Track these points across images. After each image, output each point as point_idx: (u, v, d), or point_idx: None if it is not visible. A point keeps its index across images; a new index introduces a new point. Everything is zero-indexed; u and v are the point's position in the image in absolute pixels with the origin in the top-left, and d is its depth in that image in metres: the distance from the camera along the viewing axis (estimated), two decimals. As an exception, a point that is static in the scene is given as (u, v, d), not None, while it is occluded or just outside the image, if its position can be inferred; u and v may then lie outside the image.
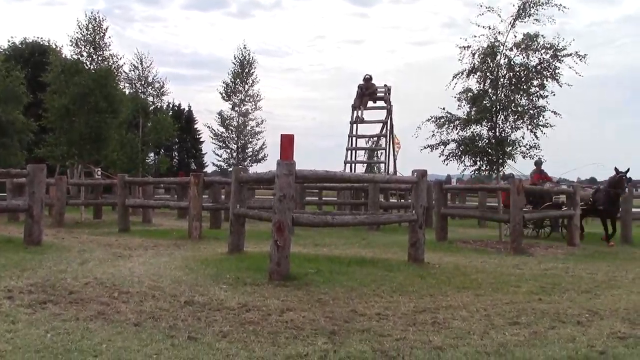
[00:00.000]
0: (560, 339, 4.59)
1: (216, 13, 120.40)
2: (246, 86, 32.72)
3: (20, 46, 43.58)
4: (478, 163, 13.76)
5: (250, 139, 33.09)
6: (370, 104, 21.92)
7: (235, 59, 32.83)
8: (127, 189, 14.82)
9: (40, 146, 26.28)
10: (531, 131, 13.31)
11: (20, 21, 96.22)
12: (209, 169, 54.37)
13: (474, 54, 13.41)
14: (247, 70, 32.72)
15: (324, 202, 22.49)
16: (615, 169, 13.86)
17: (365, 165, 25.15)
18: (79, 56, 25.43)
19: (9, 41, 42.72)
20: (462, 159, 13.72)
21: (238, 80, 32.66)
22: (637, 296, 6.70)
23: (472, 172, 14.31)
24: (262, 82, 32.67)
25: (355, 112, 21.56)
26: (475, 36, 13.41)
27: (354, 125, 21.45)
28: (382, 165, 22.72)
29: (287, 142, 7.42)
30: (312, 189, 21.23)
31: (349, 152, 21.13)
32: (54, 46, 32.27)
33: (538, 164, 15.23)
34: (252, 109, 32.83)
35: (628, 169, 13.79)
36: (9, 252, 8.62)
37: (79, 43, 25.38)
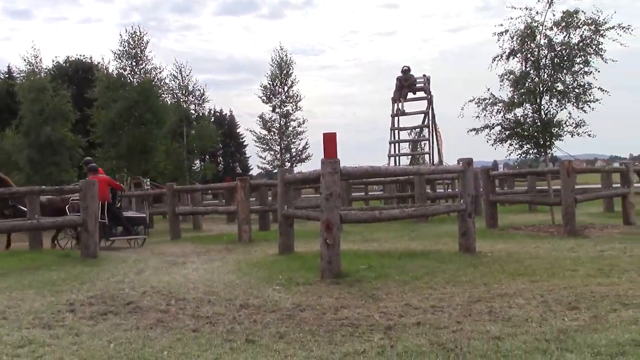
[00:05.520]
0: (623, 322, 4.47)
1: (248, 16, 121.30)
2: (285, 87, 32.90)
3: (64, 65, 44.74)
4: (525, 146, 13.54)
5: (293, 140, 33.30)
6: (410, 95, 21.78)
7: (272, 61, 33.06)
8: (176, 198, 15.08)
9: (90, 161, 26.99)
10: (578, 107, 12.99)
11: (60, 40, 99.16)
12: (254, 171, 54.98)
13: (512, 37, 13.19)
14: (285, 71, 32.89)
15: (370, 197, 22.45)
16: None
17: (409, 157, 25.01)
18: (122, 70, 26.04)
19: (53, 61, 43.87)
20: (509, 143, 13.53)
21: (277, 82, 32.86)
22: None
23: (519, 156, 14.08)
24: (299, 82, 32.93)
25: (395, 104, 21.45)
26: (511, 18, 13.19)
27: (395, 118, 21.34)
28: (427, 156, 22.54)
29: (329, 140, 7.45)
30: (357, 184, 21.22)
31: (392, 145, 21.04)
32: (99, 63, 33.17)
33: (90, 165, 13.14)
34: (292, 110, 33.00)
35: None
36: (68, 266, 8.89)
37: (121, 57, 25.98)
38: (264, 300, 5.77)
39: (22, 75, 30.42)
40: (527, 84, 13.27)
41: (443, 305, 5.28)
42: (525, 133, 13.38)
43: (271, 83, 33.04)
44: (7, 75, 43.98)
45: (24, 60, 28.46)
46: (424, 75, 22.07)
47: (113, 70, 27.56)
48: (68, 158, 27.89)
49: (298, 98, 33.06)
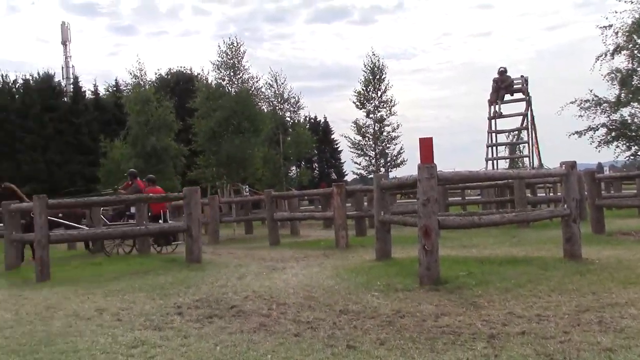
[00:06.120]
0: None
1: (340, 23, 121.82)
2: (379, 92, 32.85)
3: (166, 77, 46.83)
4: (633, 148, 12.90)
5: (388, 145, 33.17)
6: (507, 97, 21.24)
7: (365, 66, 33.12)
8: (274, 204, 15.41)
9: (192, 169, 28.13)
10: None
11: (162, 53, 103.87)
12: (349, 177, 55.32)
13: (616, 33, 12.61)
14: (378, 76, 32.86)
15: (467, 202, 22.01)
16: None
17: (507, 160, 24.33)
18: (221, 80, 26.88)
19: (155, 73, 46.04)
20: (615, 145, 12.94)
21: (370, 87, 32.88)
22: None
23: (627, 158, 13.41)
24: (392, 86, 32.91)
25: (492, 107, 20.99)
26: (616, 12, 12.61)
27: (493, 121, 20.88)
28: (526, 160, 21.86)
29: (425, 145, 7.37)
30: (453, 189, 20.88)
31: (490, 148, 20.59)
32: (198, 74, 34.48)
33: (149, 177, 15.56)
34: (386, 115, 32.91)
35: None
36: (174, 271, 9.30)
37: (220, 68, 26.83)
38: (363, 306, 5.80)
39: (128, 88, 32.14)
40: (634, 82, 12.63)
41: (549, 315, 5.11)
42: (633, 134, 12.74)
43: (365, 89, 33.08)
44: (114, 89, 46.66)
45: (130, 73, 30.09)
46: (522, 76, 21.45)
47: (212, 81, 28.58)
48: (172, 166, 29.17)
49: (392, 103, 32.94)
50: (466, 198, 24.17)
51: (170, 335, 5.00)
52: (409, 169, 34.21)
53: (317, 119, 63.70)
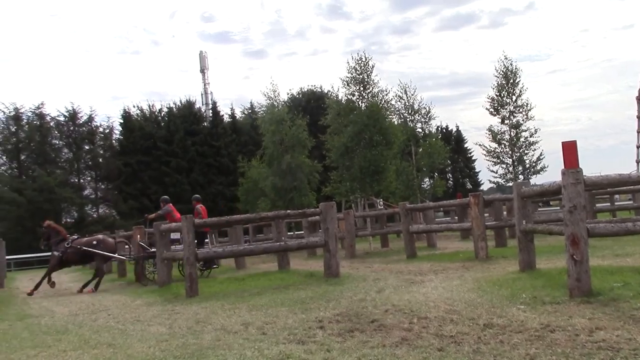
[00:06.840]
0: None
1: (468, 29, 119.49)
2: (513, 97, 31.66)
3: (297, 96, 48.26)
4: None
5: (526, 151, 31.78)
6: (658, 92, 19.71)
7: (497, 71, 32.07)
8: (409, 216, 15.27)
9: (327, 184, 28.66)
10: None
11: (292, 74, 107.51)
12: (485, 186, 53.79)
13: None
14: (511, 80, 31.69)
15: (617, 208, 20.58)
16: None
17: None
18: (351, 96, 27.26)
19: (287, 93, 47.61)
20: None
21: (504, 92, 31.77)
22: None
23: None
24: (527, 89, 31.39)
25: (641, 104, 19.55)
26: None
27: (642, 119, 19.43)
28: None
29: (569, 149, 7.01)
30: (600, 194, 19.62)
31: (640, 149, 19.15)
32: (329, 91, 35.22)
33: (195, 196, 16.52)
34: (523, 120, 31.61)
35: None
36: (313, 285, 9.46)
37: (350, 84, 27.22)
38: (509, 320, 5.55)
39: (262, 109, 33.39)
40: None
41: None
42: None
43: (498, 94, 31.99)
44: (250, 111, 48.82)
45: (264, 95, 31.26)
46: (674, 69, 19.84)
47: (342, 97, 28.99)
48: (306, 183, 29.87)
49: (528, 107, 31.58)
50: (615, 204, 22.64)
51: (314, 349, 5.06)
52: (550, 175, 32.59)
53: (449, 129, 62.69)
